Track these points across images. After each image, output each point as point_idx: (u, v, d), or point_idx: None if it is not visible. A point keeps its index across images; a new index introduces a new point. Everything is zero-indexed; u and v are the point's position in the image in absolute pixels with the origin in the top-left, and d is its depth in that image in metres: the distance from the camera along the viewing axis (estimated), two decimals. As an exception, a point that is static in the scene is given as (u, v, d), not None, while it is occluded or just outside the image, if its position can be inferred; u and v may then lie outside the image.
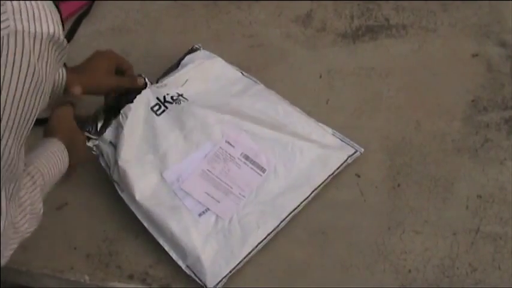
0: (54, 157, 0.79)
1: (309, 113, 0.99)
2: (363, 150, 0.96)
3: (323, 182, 0.93)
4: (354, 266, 0.88)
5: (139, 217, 0.92)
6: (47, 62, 0.57)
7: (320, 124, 0.99)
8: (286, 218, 0.90)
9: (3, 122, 0.54)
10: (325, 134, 0.97)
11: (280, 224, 0.90)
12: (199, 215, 0.91)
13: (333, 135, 0.97)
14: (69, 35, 1.17)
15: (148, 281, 0.89)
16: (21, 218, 0.69)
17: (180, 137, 0.95)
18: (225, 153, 0.94)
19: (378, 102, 1.03)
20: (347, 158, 0.95)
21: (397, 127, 1.00)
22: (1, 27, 0.52)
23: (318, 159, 0.94)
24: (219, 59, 1.05)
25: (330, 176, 0.93)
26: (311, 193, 0.92)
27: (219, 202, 0.91)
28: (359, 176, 0.95)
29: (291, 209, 0.91)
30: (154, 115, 0.97)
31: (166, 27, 1.16)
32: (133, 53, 1.11)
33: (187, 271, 0.88)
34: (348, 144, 0.96)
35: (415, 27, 1.10)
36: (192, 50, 1.07)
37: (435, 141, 0.98)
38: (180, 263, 0.88)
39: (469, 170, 0.94)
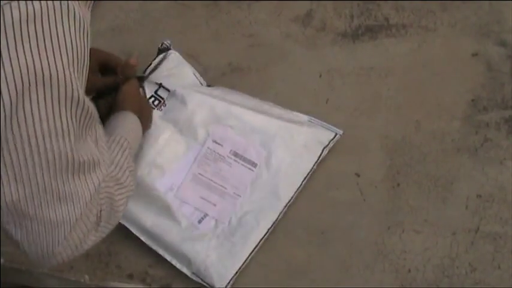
0: (130, 125, 0.85)
1: (309, 113, 0.99)
2: (341, 132, 0.96)
3: (311, 169, 0.93)
4: (353, 266, 0.88)
5: (135, 232, 0.91)
6: (79, 5, 0.60)
7: (295, 112, 0.98)
8: (283, 210, 0.91)
9: (65, 62, 0.58)
10: (303, 122, 0.97)
11: (278, 217, 0.90)
12: (199, 221, 0.90)
13: (310, 121, 0.97)
14: (69, 35, 1.17)
15: (148, 281, 0.89)
16: (121, 175, 0.75)
17: (164, 141, 0.94)
18: (214, 153, 0.94)
19: (378, 102, 1.03)
20: (328, 143, 0.95)
21: (396, 127, 1.00)
22: None
23: (302, 146, 0.94)
24: (188, 66, 1.03)
25: (316, 162, 0.94)
26: (303, 181, 0.92)
27: (215, 205, 0.91)
28: (359, 176, 0.95)
29: (287, 200, 0.91)
30: None
31: (166, 27, 1.16)
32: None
33: (194, 278, 0.88)
34: (328, 129, 0.96)
35: (414, 26, 1.10)
36: (162, 50, 1.03)
37: (435, 140, 0.97)
38: (185, 270, 0.88)
39: (468, 170, 0.94)
